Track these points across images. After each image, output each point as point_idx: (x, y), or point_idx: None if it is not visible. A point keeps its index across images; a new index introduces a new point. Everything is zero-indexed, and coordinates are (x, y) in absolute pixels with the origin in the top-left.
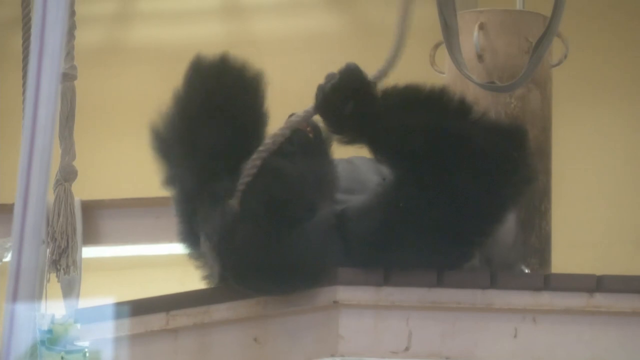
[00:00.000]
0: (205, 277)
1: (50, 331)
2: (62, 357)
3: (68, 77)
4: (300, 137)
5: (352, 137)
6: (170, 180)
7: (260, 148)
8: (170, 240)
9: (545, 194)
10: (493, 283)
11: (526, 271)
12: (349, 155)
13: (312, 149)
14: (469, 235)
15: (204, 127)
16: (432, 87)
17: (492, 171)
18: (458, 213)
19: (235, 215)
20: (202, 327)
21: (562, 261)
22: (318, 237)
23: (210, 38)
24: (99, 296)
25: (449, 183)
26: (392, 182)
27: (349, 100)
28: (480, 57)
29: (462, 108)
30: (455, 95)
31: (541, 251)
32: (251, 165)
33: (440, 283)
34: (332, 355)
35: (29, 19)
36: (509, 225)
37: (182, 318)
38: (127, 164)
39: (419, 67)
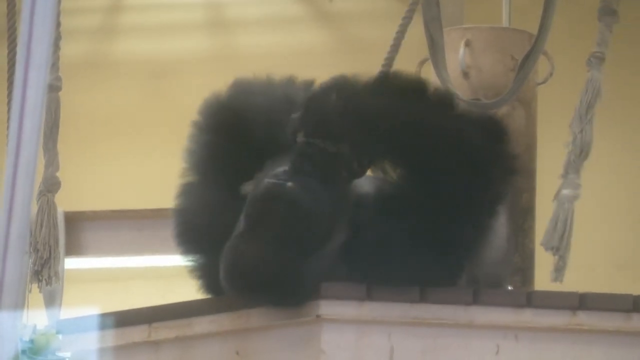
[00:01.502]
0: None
1: (32, 341)
2: None
3: (53, 89)
4: (321, 157)
5: (337, 136)
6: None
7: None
8: (153, 253)
9: (529, 212)
10: (475, 299)
11: (509, 288)
12: None
13: (332, 172)
14: (455, 240)
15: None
16: (413, 78)
17: (471, 165)
18: (441, 212)
19: (247, 233)
20: (184, 340)
21: (545, 280)
22: (324, 265)
23: (195, 52)
24: (81, 307)
25: (429, 180)
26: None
27: (332, 93)
28: (465, 74)
29: (442, 101)
30: (436, 88)
31: (524, 269)
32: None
33: (422, 299)
34: None
35: (14, 30)
36: (498, 241)
37: (164, 330)
38: (111, 175)
39: None
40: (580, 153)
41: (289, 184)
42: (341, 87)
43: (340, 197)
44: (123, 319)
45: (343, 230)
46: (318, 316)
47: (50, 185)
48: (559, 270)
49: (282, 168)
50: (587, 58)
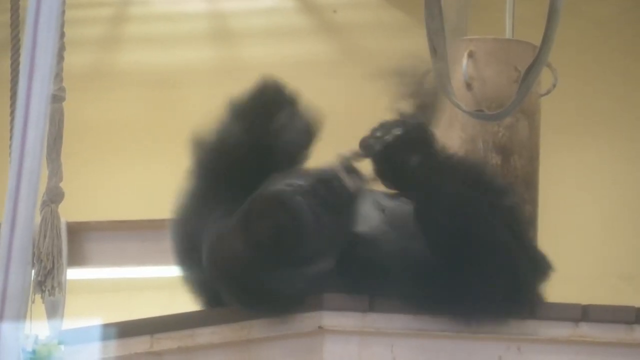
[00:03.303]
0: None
1: (34, 352)
2: None
3: (56, 99)
4: (337, 187)
5: (405, 188)
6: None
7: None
8: (156, 263)
9: (531, 224)
10: None
11: None
12: None
13: (344, 201)
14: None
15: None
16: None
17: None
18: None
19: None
20: (186, 351)
21: (547, 292)
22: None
23: (199, 63)
24: (84, 318)
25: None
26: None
27: (414, 153)
28: (469, 85)
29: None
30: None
31: None
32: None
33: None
34: None
35: (18, 40)
36: None
37: (167, 341)
38: (113, 186)
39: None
40: None
41: (298, 197)
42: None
43: (339, 231)
44: (125, 330)
45: (328, 262)
46: (320, 327)
47: (54, 196)
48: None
49: (298, 181)
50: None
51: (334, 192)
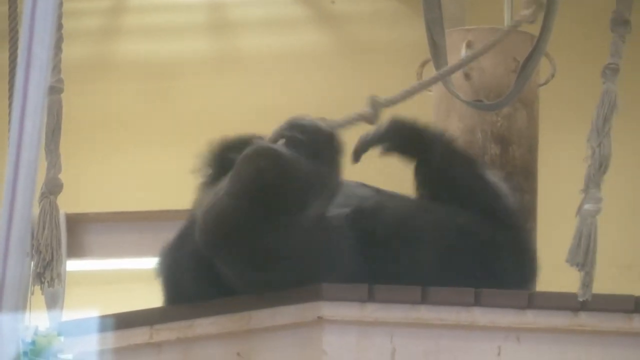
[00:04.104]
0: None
1: (33, 343)
2: None
3: (55, 91)
4: (313, 133)
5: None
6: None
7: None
8: (154, 255)
9: (530, 213)
10: (477, 301)
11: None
12: None
13: (324, 149)
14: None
15: None
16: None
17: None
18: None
19: (226, 189)
20: (185, 342)
21: (546, 282)
22: (312, 234)
23: (197, 54)
24: (83, 309)
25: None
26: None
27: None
28: (467, 75)
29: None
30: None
31: None
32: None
33: (424, 300)
34: None
35: (16, 32)
36: None
37: (166, 332)
38: (112, 177)
39: (406, 85)
40: (599, 167)
41: (278, 145)
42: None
43: (326, 171)
44: (124, 321)
45: (324, 207)
46: (320, 317)
47: (53, 187)
48: (585, 287)
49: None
50: (601, 70)
51: (308, 135)
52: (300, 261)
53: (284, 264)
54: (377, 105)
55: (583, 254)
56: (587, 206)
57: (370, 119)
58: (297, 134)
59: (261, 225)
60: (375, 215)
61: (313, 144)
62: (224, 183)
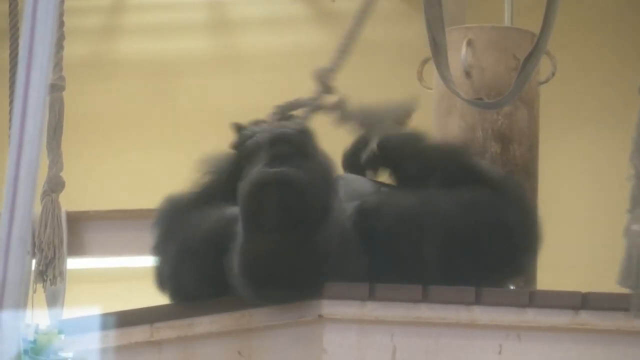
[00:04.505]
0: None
1: (34, 341)
2: None
3: (56, 88)
4: (297, 137)
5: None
6: None
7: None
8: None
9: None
10: (478, 299)
11: (511, 288)
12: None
13: (308, 149)
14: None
15: None
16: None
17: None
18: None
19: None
20: (186, 340)
21: (547, 280)
22: (336, 237)
23: (197, 52)
24: (84, 307)
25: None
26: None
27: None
28: (467, 74)
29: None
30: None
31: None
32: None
33: (425, 299)
34: None
35: (17, 30)
36: None
37: (166, 330)
38: (113, 175)
39: (406, 83)
40: None
41: (274, 169)
42: None
43: (327, 169)
44: (125, 319)
45: (340, 204)
46: (320, 316)
47: (54, 185)
48: (637, 308)
49: (259, 165)
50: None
51: (291, 142)
52: (334, 267)
53: (325, 273)
54: (323, 77)
55: (635, 276)
56: (635, 227)
57: (324, 91)
58: (281, 147)
59: (299, 248)
60: (377, 214)
61: (299, 149)
62: (240, 228)
